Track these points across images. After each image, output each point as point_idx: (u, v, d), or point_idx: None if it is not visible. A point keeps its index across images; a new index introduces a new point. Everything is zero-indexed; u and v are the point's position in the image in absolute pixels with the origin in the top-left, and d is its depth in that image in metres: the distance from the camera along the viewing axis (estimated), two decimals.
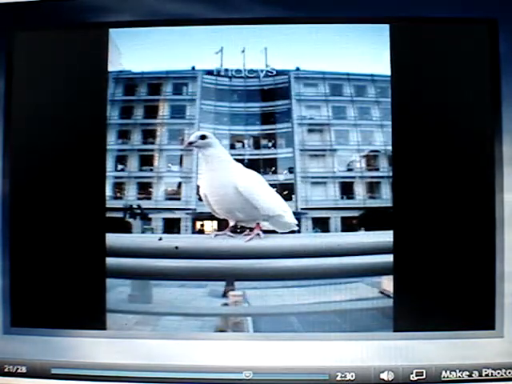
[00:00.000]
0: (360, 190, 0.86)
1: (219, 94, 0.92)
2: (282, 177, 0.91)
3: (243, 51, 0.87)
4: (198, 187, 0.89)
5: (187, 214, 0.91)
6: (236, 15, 0.77)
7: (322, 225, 0.90)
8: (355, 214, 0.86)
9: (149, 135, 0.94)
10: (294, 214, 0.90)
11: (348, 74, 0.90)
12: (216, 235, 0.85)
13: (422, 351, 0.65)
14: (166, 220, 0.92)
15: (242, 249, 0.83)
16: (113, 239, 0.82)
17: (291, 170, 0.92)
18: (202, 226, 0.92)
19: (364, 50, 0.81)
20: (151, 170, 0.93)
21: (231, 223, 0.85)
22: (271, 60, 0.88)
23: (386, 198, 0.82)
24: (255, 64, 0.88)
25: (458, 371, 0.64)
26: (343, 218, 0.89)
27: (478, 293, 0.69)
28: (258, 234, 0.84)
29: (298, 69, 0.90)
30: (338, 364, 0.66)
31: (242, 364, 0.67)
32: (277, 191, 0.91)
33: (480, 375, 0.65)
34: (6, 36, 0.74)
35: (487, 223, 0.71)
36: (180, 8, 0.76)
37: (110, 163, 0.88)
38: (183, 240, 0.86)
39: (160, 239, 0.85)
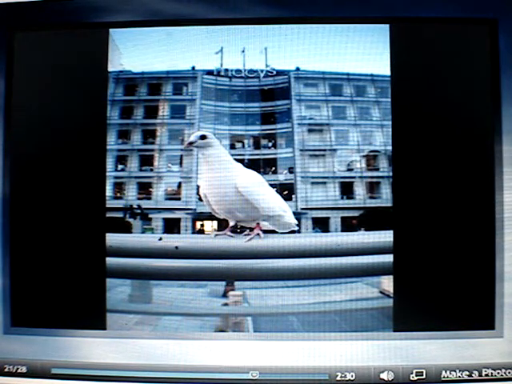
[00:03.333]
0: (360, 190, 0.86)
1: (219, 94, 0.91)
2: (282, 177, 0.90)
3: (243, 51, 0.87)
4: (198, 187, 0.88)
5: (187, 214, 0.90)
6: (236, 15, 0.78)
7: (322, 225, 0.89)
8: (355, 213, 0.85)
9: (149, 135, 0.93)
10: (294, 213, 0.89)
11: (348, 74, 0.90)
12: (216, 235, 0.84)
13: (422, 351, 0.66)
14: (166, 220, 0.90)
15: (242, 249, 0.82)
16: (113, 239, 0.81)
17: (291, 170, 0.90)
18: (202, 226, 0.91)
19: (364, 50, 0.80)
20: (151, 170, 0.92)
21: (231, 223, 0.84)
22: (271, 60, 0.87)
23: (385, 198, 0.82)
24: (255, 64, 0.88)
25: (457, 371, 0.64)
26: (343, 218, 0.89)
27: (478, 293, 0.69)
28: (258, 234, 0.83)
29: (297, 69, 0.89)
30: (338, 364, 0.66)
31: (249, 364, 0.67)
32: (277, 191, 0.89)
33: (480, 375, 0.65)
34: (6, 36, 0.74)
35: (487, 223, 0.70)
36: (180, 8, 0.77)
37: (110, 163, 0.87)
38: (183, 240, 0.85)
39: (160, 239, 0.84)
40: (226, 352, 0.68)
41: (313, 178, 0.90)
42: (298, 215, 0.88)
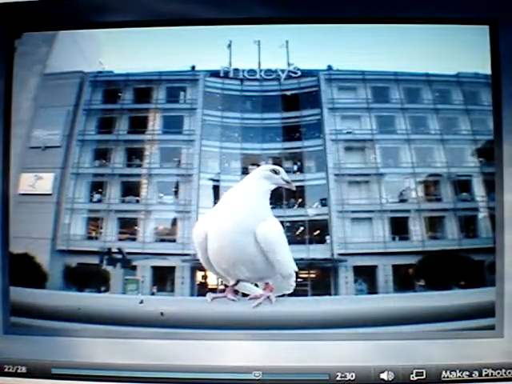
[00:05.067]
0: (417, 227, 0.79)
1: (227, 102, 0.84)
2: (312, 211, 0.82)
3: (258, 45, 0.78)
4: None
5: (184, 261, 0.79)
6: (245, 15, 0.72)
7: (366, 276, 0.76)
8: (412, 260, 0.75)
9: (134, 155, 0.86)
10: (330, 260, 0.78)
11: (396, 74, 0.81)
12: (213, 298, 0.72)
13: (422, 351, 0.67)
14: (155, 269, 0.80)
15: (248, 317, 0.70)
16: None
17: (324, 202, 0.82)
18: (205, 277, 0.79)
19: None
20: (137, 201, 0.84)
21: (231, 282, 0.72)
22: (294, 57, 0.79)
23: (451, 237, 0.78)
24: (274, 62, 0.80)
25: (458, 371, 0.65)
26: (396, 268, 0.76)
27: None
28: (269, 298, 0.70)
29: (329, 68, 0.80)
30: (338, 364, 0.66)
31: (252, 364, 0.67)
32: (304, 231, 0.80)
33: (480, 375, 0.65)
34: (7, 36, 0.74)
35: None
36: (181, 8, 0.72)
37: (83, 191, 0.82)
38: (170, 304, 0.74)
39: (141, 302, 0.73)
40: (228, 352, 0.68)
41: (353, 212, 0.81)
42: (334, 263, 0.77)
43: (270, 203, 0.74)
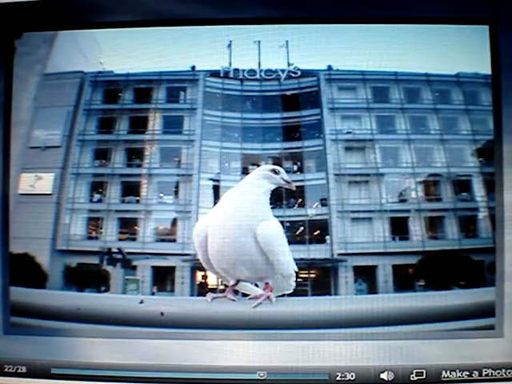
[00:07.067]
0: (417, 227, 0.78)
1: (227, 102, 0.83)
2: (312, 211, 0.81)
3: (258, 45, 0.77)
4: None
5: (184, 261, 0.78)
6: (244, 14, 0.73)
7: (366, 276, 0.76)
8: (412, 260, 0.74)
9: (134, 155, 0.85)
10: (329, 260, 0.77)
11: (396, 74, 0.80)
12: (213, 298, 0.72)
13: (422, 351, 0.67)
14: (155, 269, 0.79)
15: (248, 317, 0.69)
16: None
17: (324, 202, 0.81)
18: (205, 277, 0.79)
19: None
20: (137, 201, 0.83)
21: (231, 282, 0.72)
22: (294, 57, 0.78)
23: (451, 237, 0.77)
24: (273, 62, 0.80)
25: (458, 371, 0.65)
26: (396, 268, 0.76)
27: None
28: (269, 298, 0.71)
29: (329, 68, 0.79)
30: (338, 364, 0.67)
31: (256, 364, 0.67)
32: (304, 231, 0.79)
33: (480, 375, 0.65)
34: (7, 36, 0.75)
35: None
36: (181, 8, 0.73)
37: (83, 191, 0.81)
38: (170, 304, 0.73)
39: (141, 302, 0.73)
40: (229, 352, 0.68)
41: (353, 212, 0.80)
42: (334, 263, 0.76)
43: (270, 203, 0.72)
